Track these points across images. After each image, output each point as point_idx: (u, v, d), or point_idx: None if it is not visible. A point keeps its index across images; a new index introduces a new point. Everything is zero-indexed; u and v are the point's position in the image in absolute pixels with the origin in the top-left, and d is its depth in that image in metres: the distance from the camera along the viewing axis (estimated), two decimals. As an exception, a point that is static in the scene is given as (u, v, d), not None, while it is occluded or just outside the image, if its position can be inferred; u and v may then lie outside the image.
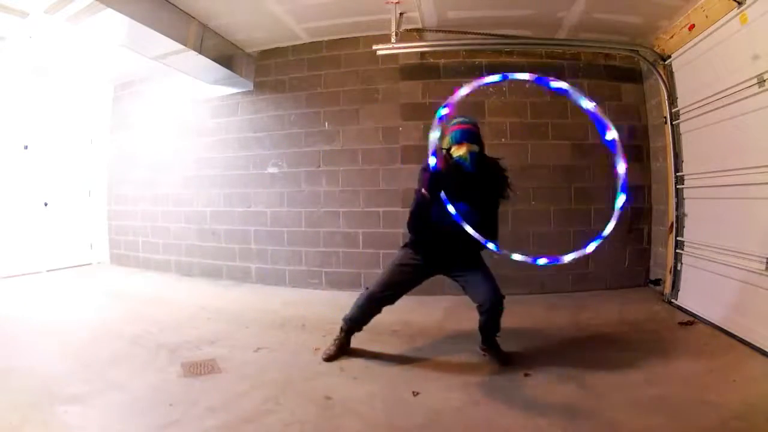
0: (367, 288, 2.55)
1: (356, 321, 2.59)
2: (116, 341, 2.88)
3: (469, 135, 2.29)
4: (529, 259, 2.08)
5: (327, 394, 2.15)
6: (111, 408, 2.02)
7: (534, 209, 4.09)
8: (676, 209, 3.56)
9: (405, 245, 2.56)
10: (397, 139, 4.23)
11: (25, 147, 5.24)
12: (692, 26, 3.21)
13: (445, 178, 2.21)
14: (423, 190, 2.25)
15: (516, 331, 3.03)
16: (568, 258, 2.02)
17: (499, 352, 2.51)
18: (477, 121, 2.44)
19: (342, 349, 2.60)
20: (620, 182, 2.03)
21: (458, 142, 2.28)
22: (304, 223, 4.48)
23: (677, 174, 3.55)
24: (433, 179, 2.19)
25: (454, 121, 2.36)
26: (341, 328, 2.63)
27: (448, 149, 2.32)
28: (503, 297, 2.41)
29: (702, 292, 3.22)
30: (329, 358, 2.54)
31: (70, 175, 5.72)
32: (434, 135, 2.06)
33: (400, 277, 2.48)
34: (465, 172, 2.27)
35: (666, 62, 3.62)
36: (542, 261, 2.10)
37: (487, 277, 2.47)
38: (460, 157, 2.26)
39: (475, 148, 2.29)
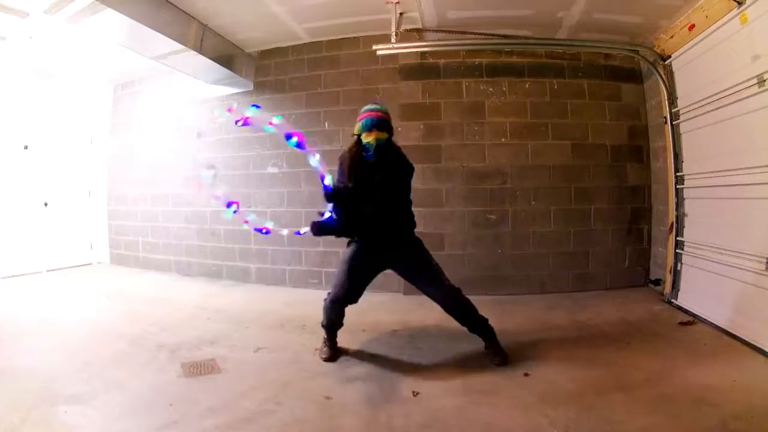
0: (328, 294, 2.54)
1: (331, 324, 2.60)
2: (116, 341, 2.88)
3: (379, 123, 2.35)
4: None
5: (327, 394, 2.15)
6: (111, 408, 2.02)
7: (534, 209, 4.09)
8: (676, 209, 3.56)
9: (348, 243, 2.61)
10: (396, 139, 4.20)
11: (25, 147, 5.24)
12: (692, 26, 3.21)
13: (353, 166, 2.37)
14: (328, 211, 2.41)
15: (516, 331, 3.03)
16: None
17: (496, 348, 2.49)
18: (387, 108, 2.47)
19: (334, 349, 2.62)
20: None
21: (367, 129, 2.34)
22: (304, 223, 4.44)
23: (677, 174, 3.55)
24: (332, 195, 2.31)
25: (366, 107, 2.43)
26: (324, 331, 2.65)
27: (359, 135, 2.39)
28: (457, 291, 2.45)
29: (702, 292, 3.22)
30: (329, 358, 2.55)
31: (70, 175, 5.72)
32: (314, 160, 2.29)
33: (352, 274, 2.47)
34: (369, 158, 2.36)
35: (666, 62, 3.62)
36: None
37: (432, 279, 2.48)
38: (367, 143, 2.34)
39: (384, 136, 2.36)
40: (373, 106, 2.43)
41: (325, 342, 2.65)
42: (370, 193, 2.35)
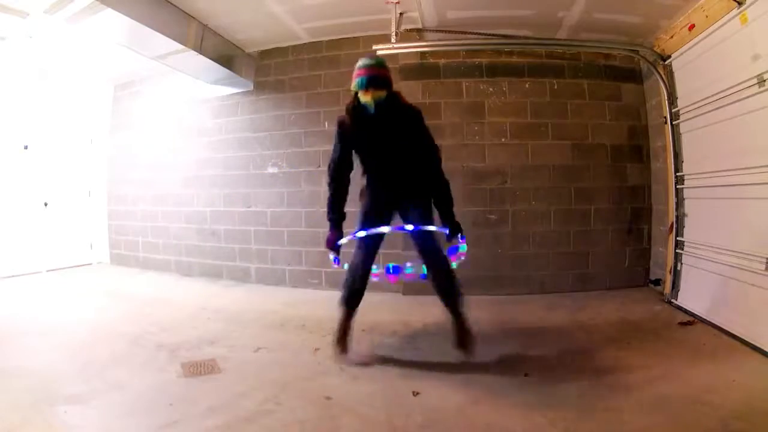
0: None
1: (351, 293, 2.51)
2: (116, 341, 2.88)
3: (376, 80, 2.21)
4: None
5: (327, 394, 2.15)
6: (111, 408, 2.02)
7: (534, 209, 4.09)
8: (676, 209, 3.56)
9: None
10: (397, 139, 4.23)
11: (25, 147, 5.24)
12: (692, 26, 3.21)
13: (354, 127, 2.29)
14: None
15: (516, 331, 3.03)
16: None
17: (462, 329, 2.44)
18: (384, 61, 2.34)
19: (345, 331, 2.53)
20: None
21: (364, 88, 2.21)
22: (304, 223, 4.48)
23: (677, 174, 3.55)
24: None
25: (360, 63, 2.29)
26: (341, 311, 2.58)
27: (356, 93, 2.27)
28: (444, 258, 2.45)
29: (702, 292, 3.22)
30: (342, 350, 2.50)
31: (70, 175, 5.72)
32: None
33: (367, 224, 2.42)
34: (371, 117, 2.23)
35: (666, 62, 3.62)
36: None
37: (432, 239, 2.44)
38: (365, 103, 2.22)
39: (382, 94, 2.21)
40: (366, 62, 2.28)
41: (338, 329, 2.55)
42: (378, 154, 2.25)
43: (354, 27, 4.14)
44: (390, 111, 2.26)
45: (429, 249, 2.43)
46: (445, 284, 2.47)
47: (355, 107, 2.32)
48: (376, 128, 2.26)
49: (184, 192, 5.14)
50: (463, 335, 2.47)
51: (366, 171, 2.49)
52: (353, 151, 2.46)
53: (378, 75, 2.23)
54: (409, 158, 2.35)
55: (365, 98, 2.22)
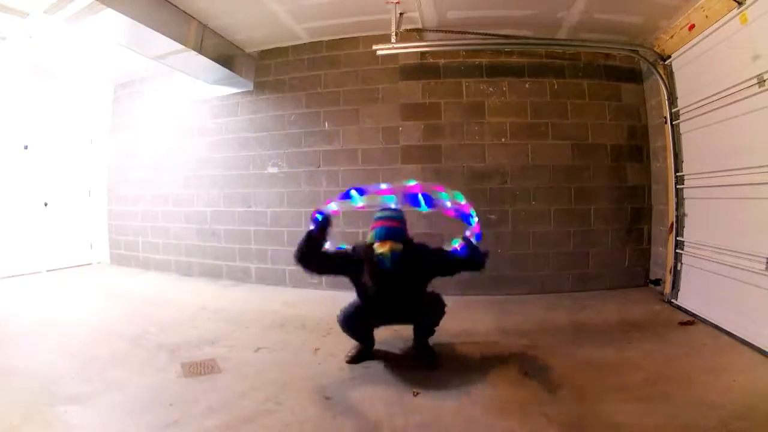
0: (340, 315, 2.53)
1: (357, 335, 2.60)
2: (116, 341, 2.88)
3: (393, 233, 2.28)
4: None
5: (327, 394, 2.15)
6: (111, 408, 2.02)
7: (534, 209, 4.09)
8: (676, 209, 3.56)
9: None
10: (397, 139, 4.23)
11: (25, 147, 5.24)
12: (692, 26, 3.21)
13: (366, 269, 2.35)
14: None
15: (516, 330, 3.03)
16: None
17: (430, 354, 2.55)
18: (403, 214, 2.40)
19: (360, 353, 2.59)
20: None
21: (381, 239, 2.26)
22: (304, 223, 4.46)
23: (677, 174, 3.55)
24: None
25: (379, 215, 2.37)
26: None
27: (371, 244, 2.31)
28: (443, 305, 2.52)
29: (702, 292, 3.22)
30: (352, 360, 2.54)
31: (70, 175, 5.72)
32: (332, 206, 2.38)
33: (356, 318, 2.50)
34: (385, 269, 2.28)
35: (666, 62, 3.62)
36: None
37: (429, 301, 2.53)
38: (381, 254, 2.25)
39: (399, 247, 2.26)
40: (386, 214, 2.36)
41: (353, 346, 2.63)
42: (388, 296, 2.37)
43: (354, 27, 4.14)
44: (405, 263, 2.31)
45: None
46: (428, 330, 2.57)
47: (370, 254, 2.32)
48: (390, 278, 2.32)
49: (184, 192, 5.14)
50: (433, 356, 2.55)
51: (363, 298, 2.51)
52: (349, 271, 2.48)
53: (395, 228, 2.30)
54: (417, 289, 2.48)
55: (382, 249, 2.25)
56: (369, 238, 2.33)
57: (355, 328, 2.53)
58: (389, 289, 2.34)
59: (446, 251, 2.46)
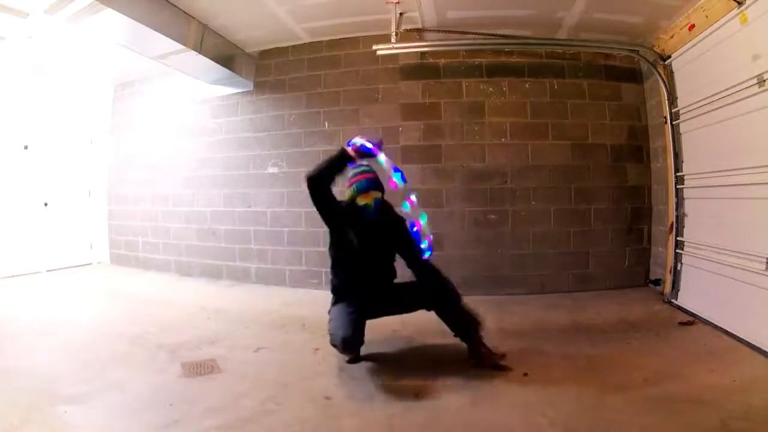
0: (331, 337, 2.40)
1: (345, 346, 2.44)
2: (116, 341, 2.88)
3: (372, 183, 2.41)
4: None
5: (327, 394, 2.15)
6: (111, 408, 2.02)
7: (534, 209, 4.09)
8: (676, 209, 3.56)
9: (333, 303, 2.56)
10: (397, 139, 4.23)
11: (25, 147, 5.24)
12: (692, 26, 3.21)
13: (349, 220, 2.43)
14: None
15: (516, 331, 3.03)
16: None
17: (490, 355, 2.43)
18: (372, 167, 2.50)
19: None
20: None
21: (365, 191, 2.39)
22: (304, 223, 4.48)
23: (677, 174, 3.55)
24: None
25: (355, 171, 2.47)
26: None
27: (353, 198, 2.42)
28: (445, 281, 2.48)
29: (702, 292, 3.22)
30: (352, 360, 2.51)
31: (70, 175, 5.72)
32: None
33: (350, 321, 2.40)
34: (369, 219, 2.42)
35: (666, 62, 3.62)
36: None
37: (412, 286, 2.54)
38: (366, 205, 2.40)
39: (379, 194, 2.43)
40: (361, 169, 2.47)
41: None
42: (368, 252, 2.42)
43: (354, 27, 4.14)
44: (384, 212, 2.48)
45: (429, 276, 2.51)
46: (457, 315, 2.46)
47: (353, 209, 2.44)
48: (372, 228, 2.44)
49: (184, 192, 5.14)
50: (487, 354, 2.45)
51: (341, 266, 2.55)
52: (336, 222, 2.50)
53: (374, 178, 2.43)
54: (389, 262, 2.58)
55: (366, 200, 2.39)
56: (349, 194, 2.44)
57: (354, 333, 2.37)
58: (374, 244, 2.40)
59: (411, 231, 2.50)
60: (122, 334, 3.00)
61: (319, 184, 2.40)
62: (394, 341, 2.85)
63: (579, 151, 4.10)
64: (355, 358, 2.52)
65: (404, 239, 2.50)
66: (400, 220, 2.54)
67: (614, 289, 4.00)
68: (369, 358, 2.58)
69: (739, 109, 2.79)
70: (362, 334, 2.39)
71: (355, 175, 2.45)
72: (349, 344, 2.30)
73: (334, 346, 2.36)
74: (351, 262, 2.48)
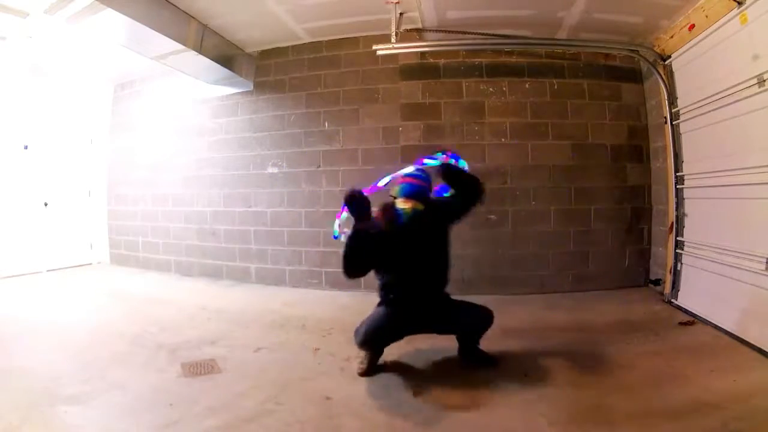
0: (359, 332, 2.35)
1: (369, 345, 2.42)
2: (116, 341, 2.88)
3: (418, 191, 2.28)
4: None
5: (327, 394, 2.15)
6: (111, 408, 2.02)
7: (534, 209, 4.09)
8: (676, 209, 3.56)
9: (380, 304, 2.48)
10: (397, 139, 4.23)
11: (25, 147, 5.24)
12: (692, 26, 3.21)
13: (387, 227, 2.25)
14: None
15: (516, 331, 3.03)
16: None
17: (485, 357, 2.48)
18: (430, 176, 2.40)
19: (372, 365, 2.42)
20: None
21: (406, 195, 2.27)
22: (304, 223, 4.48)
23: (677, 174, 3.55)
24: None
25: (407, 172, 2.36)
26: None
27: (395, 198, 2.30)
28: (491, 314, 2.45)
29: (702, 292, 3.22)
30: (363, 373, 2.37)
31: (70, 175, 5.72)
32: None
33: (385, 328, 2.36)
34: (405, 226, 2.26)
35: (666, 62, 3.62)
36: None
37: (469, 307, 2.45)
38: (403, 210, 2.25)
39: (420, 207, 2.27)
40: (414, 173, 2.34)
41: (364, 357, 2.45)
42: (401, 261, 2.30)
43: (354, 27, 4.14)
44: (420, 222, 2.29)
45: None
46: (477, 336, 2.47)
47: (390, 207, 2.30)
48: (402, 235, 2.27)
49: (184, 192, 5.14)
50: (487, 355, 2.49)
51: (389, 283, 2.42)
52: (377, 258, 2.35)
53: (422, 187, 2.30)
54: (436, 263, 2.40)
55: (405, 206, 2.25)
56: (394, 191, 2.34)
57: (381, 338, 2.36)
58: (413, 252, 2.28)
59: (440, 194, 2.45)
60: (122, 334, 3.00)
61: (357, 271, 2.31)
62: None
63: (579, 151, 4.10)
64: (367, 371, 2.37)
65: (447, 212, 2.38)
66: (438, 206, 2.38)
67: (614, 289, 3.99)
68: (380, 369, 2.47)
69: (739, 109, 2.79)
70: (388, 340, 2.35)
71: (407, 176, 2.33)
72: (369, 339, 2.28)
73: (356, 334, 2.34)
74: (393, 268, 2.37)
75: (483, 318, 2.43)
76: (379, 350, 2.44)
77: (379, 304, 2.47)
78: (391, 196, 2.37)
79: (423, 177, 2.36)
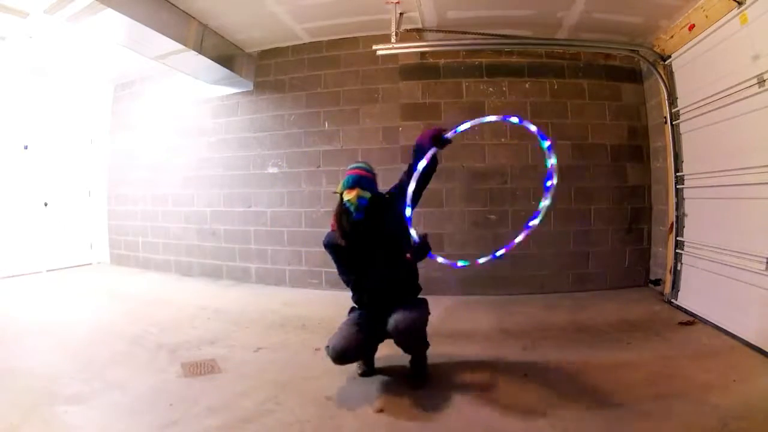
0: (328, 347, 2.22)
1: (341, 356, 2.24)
2: (116, 341, 2.88)
3: (360, 180, 2.23)
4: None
5: (327, 394, 2.15)
6: (111, 408, 2.02)
7: (534, 209, 4.03)
8: (676, 209, 3.56)
9: (351, 309, 2.45)
10: (397, 139, 4.24)
11: (25, 147, 5.24)
12: (692, 26, 3.21)
13: (341, 229, 2.25)
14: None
15: (516, 331, 3.03)
16: (482, 260, 2.28)
17: (419, 371, 2.32)
18: (372, 167, 2.38)
19: (372, 365, 2.43)
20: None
21: (349, 186, 2.22)
22: (304, 223, 4.48)
23: (677, 174, 3.55)
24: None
25: (350, 166, 2.36)
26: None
27: (341, 195, 2.26)
28: (412, 328, 2.18)
29: (702, 292, 3.22)
30: (363, 374, 2.38)
31: (70, 175, 5.73)
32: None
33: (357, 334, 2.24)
34: (358, 218, 2.22)
35: (666, 62, 3.62)
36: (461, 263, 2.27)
37: (408, 308, 2.27)
38: (348, 201, 2.21)
39: (366, 194, 2.21)
40: (356, 164, 2.35)
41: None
42: (369, 258, 2.26)
43: (354, 27, 4.14)
44: (375, 212, 2.25)
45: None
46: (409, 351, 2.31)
47: (341, 209, 2.27)
48: (364, 229, 2.25)
49: (184, 192, 5.14)
50: (422, 373, 2.33)
51: (357, 282, 2.37)
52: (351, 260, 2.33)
53: (364, 176, 2.26)
54: (398, 256, 2.26)
55: (348, 196, 2.21)
56: (338, 188, 2.28)
57: (343, 339, 2.20)
58: (367, 246, 2.25)
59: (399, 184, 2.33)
60: (122, 334, 3.00)
61: (348, 279, 2.35)
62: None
63: (579, 151, 4.10)
64: (366, 371, 2.37)
65: (394, 233, 2.26)
66: (393, 195, 2.32)
67: (614, 289, 4.00)
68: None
69: (739, 109, 2.79)
70: (360, 348, 2.21)
71: (349, 168, 2.32)
72: (341, 356, 2.14)
73: (326, 350, 2.21)
74: (354, 266, 2.34)
75: (420, 305, 2.32)
76: (364, 354, 2.35)
77: (351, 309, 2.44)
78: (333, 192, 2.34)
79: (367, 168, 2.33)
